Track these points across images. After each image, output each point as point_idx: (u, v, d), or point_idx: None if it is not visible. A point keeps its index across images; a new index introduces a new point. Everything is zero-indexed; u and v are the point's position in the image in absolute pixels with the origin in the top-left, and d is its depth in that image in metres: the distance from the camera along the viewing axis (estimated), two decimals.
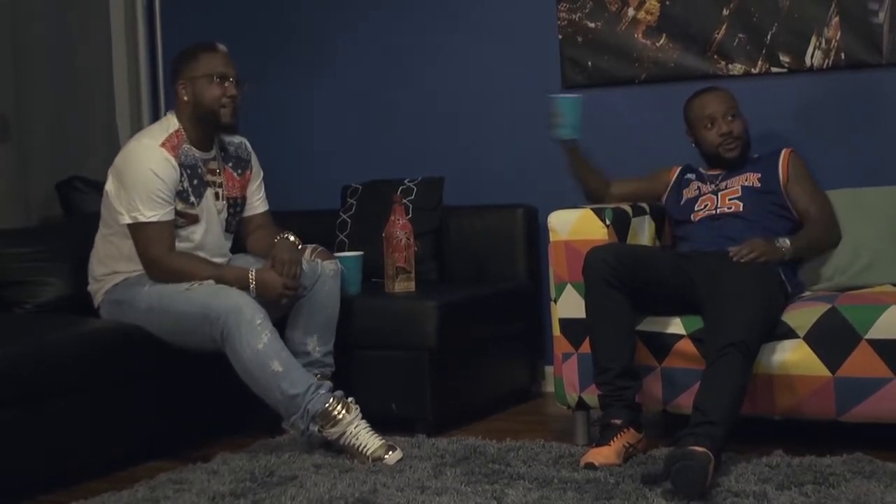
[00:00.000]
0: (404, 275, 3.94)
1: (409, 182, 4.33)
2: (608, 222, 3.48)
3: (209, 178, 3.62)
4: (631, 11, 4.17)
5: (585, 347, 3.38)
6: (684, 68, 4.09)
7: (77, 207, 4.17)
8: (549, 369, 4.04)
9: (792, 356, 3.15)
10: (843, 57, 3.87)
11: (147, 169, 3.46)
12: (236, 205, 3.73)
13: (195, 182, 3.56)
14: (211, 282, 3.44)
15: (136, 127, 4.70)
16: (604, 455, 3.10)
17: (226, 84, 3.56)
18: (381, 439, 3.28)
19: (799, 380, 3.15)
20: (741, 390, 3.00)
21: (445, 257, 4.34)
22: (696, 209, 3.68)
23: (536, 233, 4.29)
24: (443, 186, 4.31)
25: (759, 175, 3.65)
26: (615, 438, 3.15)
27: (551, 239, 3.52)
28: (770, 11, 3.96)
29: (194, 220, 3.57)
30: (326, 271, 3.63)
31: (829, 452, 3.09)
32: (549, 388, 4.11)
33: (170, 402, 3.56)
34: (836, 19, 3.86)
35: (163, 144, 3.51)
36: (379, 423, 3.36)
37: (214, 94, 3.54)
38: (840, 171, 3.82)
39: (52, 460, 3.21)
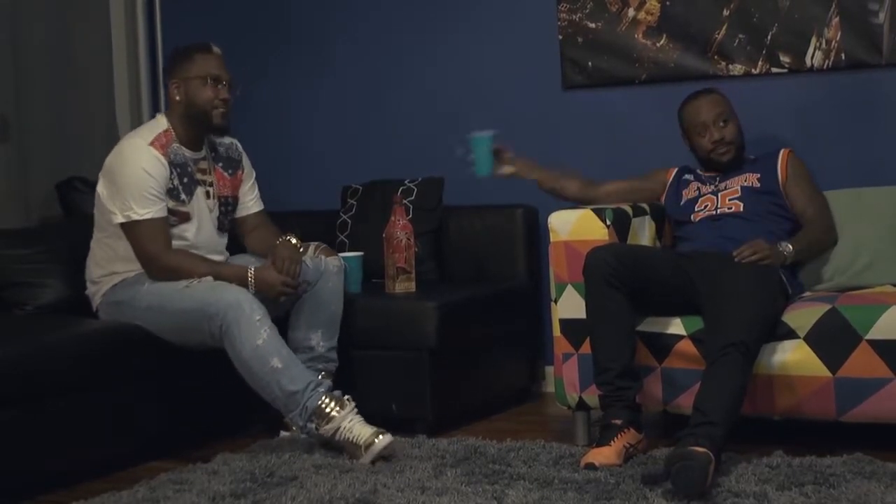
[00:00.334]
0: (404, 275, 3.94)
1: (409, 182, 4.33)
2: (608, 223, 3.48)
3: (199, 176, 3.63)
4: (631, 12, 4.17)
5: (586, 348, 3.38)
6: (684, 68, 4.09)
7: (77, 207, 4.16)
8: (549, 369, 4.04)
9: (792, 356, 3.15)
10: (843, 57, 3.87)
11: (138, 168, 3.47)
12: (227, 204, 3.73)
13: (185, 180, 3.57)
14: (209, 279, 3.44)
15: (137, 127, 4.69)
16: (604, 455, 3.10)
17: (219, 87, 3.57)
18: (372, 428, 3.27)
19: (799, 380, 3.15)
20: (741, 391, 3.00)
21: (445, 257, 4.34)
22: (696, 209, 3.68)
23: (536, 233, 4.29)
24: (443, 186, 4.31)
25: (759, 175, 3.66)
26: (615, 439, 3.15)
27: (551, 239, 3.52)
28: (770, 12, 3.96)
29: (186, 217, 3.58)
30: (330, 267, 3.64)
31: (829, 453, 3.09)
32: (549, 388, 4.11)
33: (170, 402, 3.56)
34: (836, 19, 3.86)
35: (152, 143, 3.52)
36: (379, 424, 3.35)
37: (207, 95, 3.56)
38: (840, 171, 3.82)
39: (52, 460, 3.21)
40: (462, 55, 4.51)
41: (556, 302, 3.52)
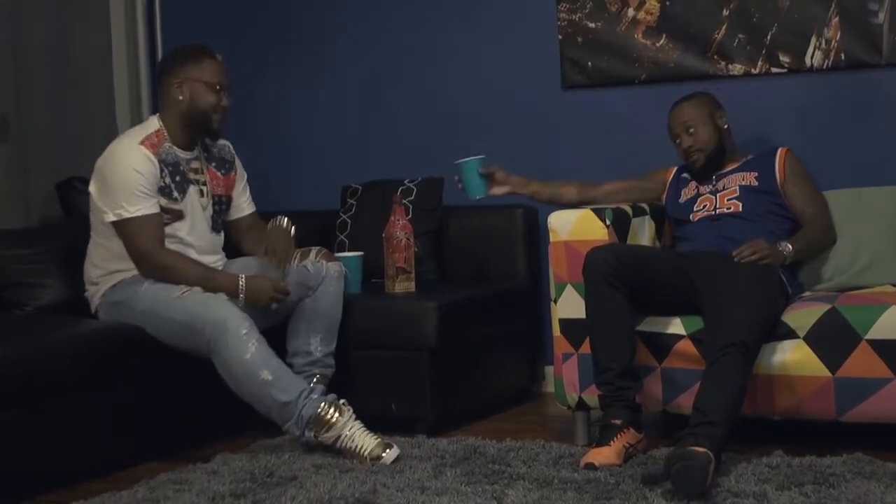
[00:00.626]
0: (404, 275, 3.94)
1: (409, 182, 4.33)
2: (608, 222, 3.48)
3: (192, 175, 3.63)
4: (631, 12, 4.17)
5: (585, 348, 3.38)
6: (684, 68, 4.09)
7: (77, 207, 4.16)
8: (549, 369, 4.04)
9: (792, 356, 3.15)
10: (843, 57, 3.87)
11: (127, 166, 3.48)
12: (221, 202, 3.74)
13: (178, 179, 3.57)
14: (198, 289, 3.44)
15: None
16: (604, 455, 3.10)
17: (221, 94, 3.60)
18: (377, 438, 3.27)
19: (799, 380, 3.15)
20: (741, 390, 3.00)
21: (445, 257, 4.34)
22: (695, 209, 3.68)
23: (536, 233, 4.29)
24: (443, 186, 4.31)
25: (756, 174, 3.65)
26: (615, 439, 3.15)
27: (551, 239, 3.52)
28: (770, 11, 3.96)
29: (179, 216, 3.59)
30: (331, 273, 3.64)
31: (829, 453, 3.09)
32: (549, 388, 4.11)
33: (169, 403, 3.56)
34: (836, 19, 3.86)
35: (142, 143, 3.54)
36: (379, 424, 3.36)
37: (211, 101, 3.59)
38: (840, 171, 3.82)
39: (52, 460, 3.21)
40: (462, 55, 4.51)
41: (555, 302, 3.52)
